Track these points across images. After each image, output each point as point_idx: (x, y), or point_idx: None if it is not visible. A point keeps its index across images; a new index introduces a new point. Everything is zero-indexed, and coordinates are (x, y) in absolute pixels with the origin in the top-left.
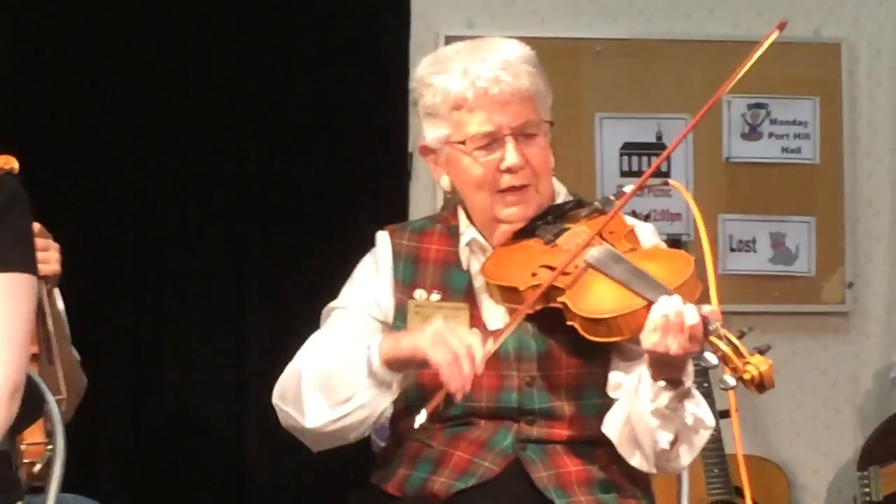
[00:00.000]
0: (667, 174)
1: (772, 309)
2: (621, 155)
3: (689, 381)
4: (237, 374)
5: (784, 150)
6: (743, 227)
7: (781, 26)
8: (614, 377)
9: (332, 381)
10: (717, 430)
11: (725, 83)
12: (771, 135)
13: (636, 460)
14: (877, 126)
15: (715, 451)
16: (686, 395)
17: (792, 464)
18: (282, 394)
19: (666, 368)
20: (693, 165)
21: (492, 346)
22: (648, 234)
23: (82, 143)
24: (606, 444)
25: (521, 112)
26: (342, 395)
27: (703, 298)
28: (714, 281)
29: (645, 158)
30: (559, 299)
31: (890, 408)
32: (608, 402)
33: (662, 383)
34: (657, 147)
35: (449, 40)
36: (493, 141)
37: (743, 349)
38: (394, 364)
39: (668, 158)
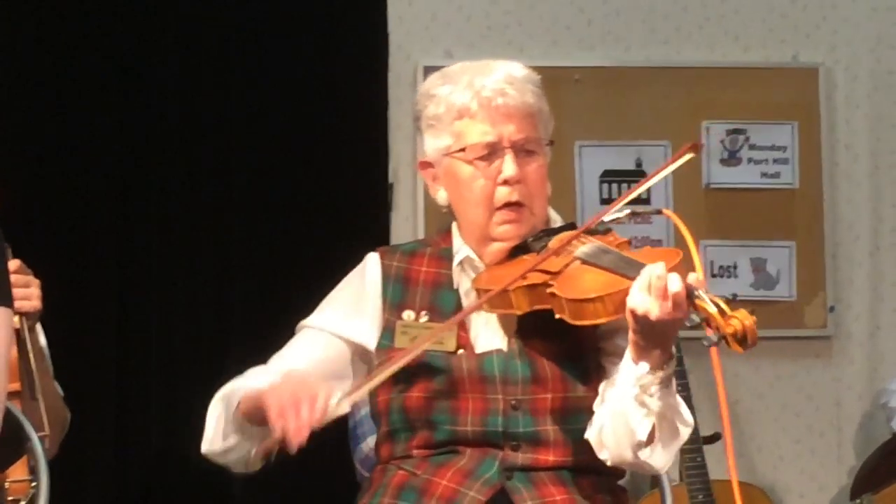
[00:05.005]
0: (647, 201)
1: None
2: (601, 182)
3: (670, 368)
4: None
5: (763, 175)
6: (723, 253)
7: (695, 147)
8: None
9: (225, 410)
10: (701, 455)
11: (634, 188)
12: (750, 160)
13: (606, 453)
14: (855, 150)
15: (699, 478)
16: (666, 383)
17: (776, 488)
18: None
19: (648, 341)
20: (673, 192)
21: (343, 399)
22: None
23: (63, 178)
24: (592, 472)
25: (523, 127)
26: (223, 428)
27: None
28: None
29: (625, 186)
30: (547, 291)
31: (873, 431)
32: None
33: (645, 367)
34: (637, 174)
35: (427, 71)
36: (492, 152)
37: (727, 309)
38: (249, 413)
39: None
